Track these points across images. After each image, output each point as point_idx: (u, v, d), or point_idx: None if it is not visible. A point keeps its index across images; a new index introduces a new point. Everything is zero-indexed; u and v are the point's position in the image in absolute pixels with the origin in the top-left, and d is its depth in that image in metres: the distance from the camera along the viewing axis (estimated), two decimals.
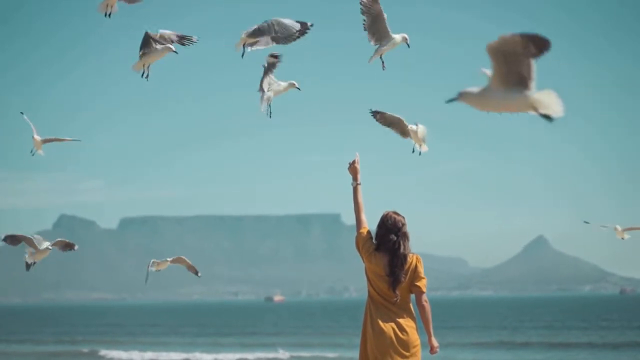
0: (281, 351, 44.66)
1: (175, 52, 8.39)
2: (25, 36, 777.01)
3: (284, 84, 8.65)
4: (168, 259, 10.35)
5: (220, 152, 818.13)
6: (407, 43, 8.62)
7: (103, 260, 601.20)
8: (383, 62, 8.72)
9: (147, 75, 8.55)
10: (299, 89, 8.68)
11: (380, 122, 9.19)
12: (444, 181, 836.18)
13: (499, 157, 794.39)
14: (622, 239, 11.07)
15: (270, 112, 8.65)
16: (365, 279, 8.22)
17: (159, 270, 10.47)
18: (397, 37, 8.60)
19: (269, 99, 8.64)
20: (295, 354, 43.88)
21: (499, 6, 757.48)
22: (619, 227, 10.99)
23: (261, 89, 8.67)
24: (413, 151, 9.16)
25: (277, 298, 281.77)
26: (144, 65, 8.47)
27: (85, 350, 48.83)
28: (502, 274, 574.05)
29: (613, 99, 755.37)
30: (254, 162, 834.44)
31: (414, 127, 9.10)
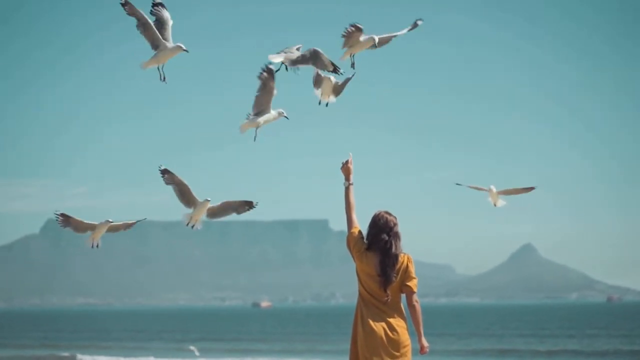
0: (195, 351, 44.64)
1: (186, 50, 8.24)
2: (25, 36, 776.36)
3: (274, 113, 8.56)
4: (208, 199, 9.42)
5: (207, 158, 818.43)
6: (374, 44, 8.64)
7: (89, 265, 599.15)
8: (353, 63, 8.80)
9: (164, 78, 8.39)
10: (286, 117, 8.68)
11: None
12: (431, 188, 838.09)
13: (487, 164, 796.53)
14: (495, 205, 10.03)
15: (255, 137, 8.64)
16: (355, 279, 8.19)
17: (193, 227, 9.41)
18: (364, 36, 8.61)
19: (257, 124, 8.56)
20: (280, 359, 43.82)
21: (499, 8, 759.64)
22: (493, 188, 10.02)
23: (253, 113, 8.53)
24: (319, 103, 9.01)
25: (264, 304, 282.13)
26: (158, 68, 8.28)
27: (65, 354, 48.46)
28: (489, 281, 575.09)
29: (612, 99, 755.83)
30: (241, 168, 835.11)
31: (329, 75, 8.84)
